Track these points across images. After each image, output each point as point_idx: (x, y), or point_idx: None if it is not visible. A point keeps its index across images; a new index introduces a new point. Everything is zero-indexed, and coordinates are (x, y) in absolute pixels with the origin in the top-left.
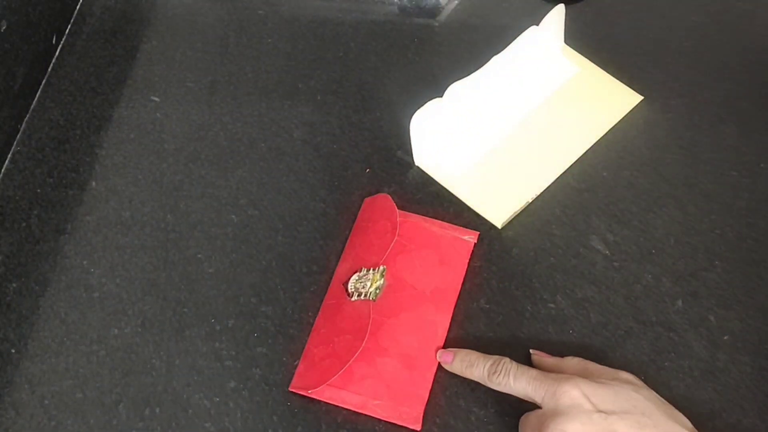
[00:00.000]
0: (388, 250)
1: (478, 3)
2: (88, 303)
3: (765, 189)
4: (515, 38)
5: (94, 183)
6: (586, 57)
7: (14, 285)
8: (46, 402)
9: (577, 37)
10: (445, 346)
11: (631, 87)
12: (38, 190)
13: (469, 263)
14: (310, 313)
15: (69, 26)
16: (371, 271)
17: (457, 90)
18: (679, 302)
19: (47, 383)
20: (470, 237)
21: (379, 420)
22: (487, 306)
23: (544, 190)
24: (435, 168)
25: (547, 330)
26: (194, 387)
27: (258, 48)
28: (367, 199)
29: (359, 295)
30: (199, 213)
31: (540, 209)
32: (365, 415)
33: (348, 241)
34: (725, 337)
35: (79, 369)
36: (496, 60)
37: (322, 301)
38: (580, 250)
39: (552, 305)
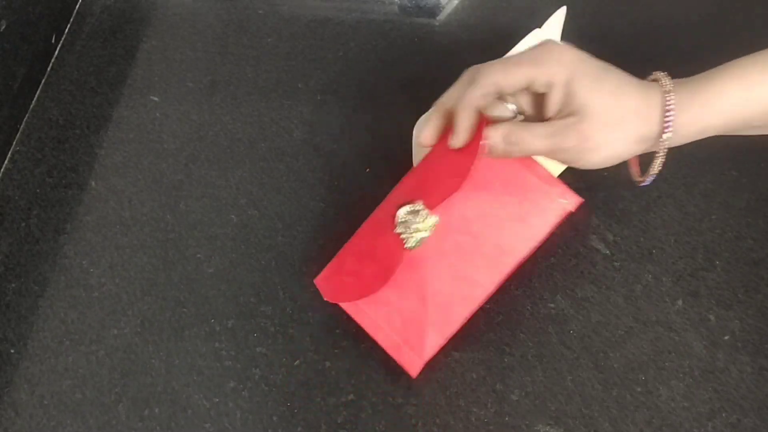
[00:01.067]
0: (481, 193)
1: (478, 3)
2: (87, 303)
3: (765, 189)
4: (515, 38)
5: (93, 183)
6: None
7: (14, 285)
8: (46, 402)
9: (576, 35)
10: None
11: None
12: (38, 190)
13: (552, 231)
14: (310, 313)
15: (68, 26)
16: (422, 213)
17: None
18: (679, 302)
19: (47, 383)
20: (568, 201)
21: (380, 420)
22: (487, 305)
23: None
24: None
25: (547, 330)
26: (194, 387)
27: (258, 48)
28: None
29: (404, 230)
30: (199, 213)
31: None
32: (371, 343)
33: (431, 151)
34: (725, 337)
35: (79, 369)
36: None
37: (321, 302)
38: (580, 250)
39: (552, 305)
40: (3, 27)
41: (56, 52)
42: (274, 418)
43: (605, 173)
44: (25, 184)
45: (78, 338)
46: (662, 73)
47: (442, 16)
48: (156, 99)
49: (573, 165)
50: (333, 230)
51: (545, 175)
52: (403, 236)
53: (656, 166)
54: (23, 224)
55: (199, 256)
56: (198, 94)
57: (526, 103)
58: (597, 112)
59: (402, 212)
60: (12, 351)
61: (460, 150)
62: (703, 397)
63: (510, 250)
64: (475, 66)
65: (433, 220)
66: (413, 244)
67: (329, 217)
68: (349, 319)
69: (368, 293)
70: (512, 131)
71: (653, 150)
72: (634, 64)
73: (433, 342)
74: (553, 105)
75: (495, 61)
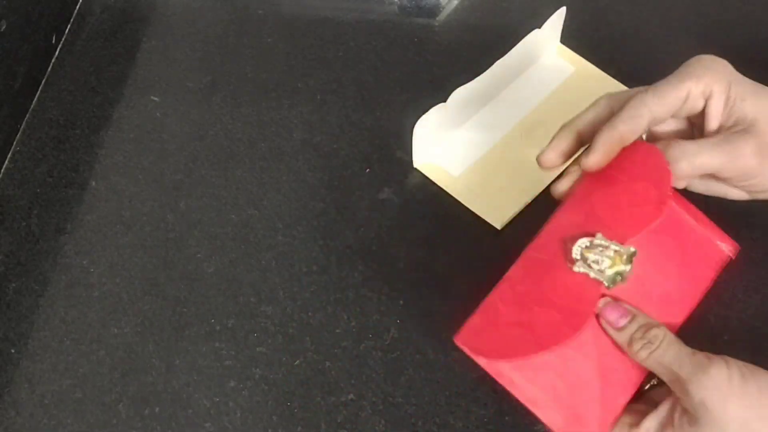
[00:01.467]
0: (647, 228)
1: (478, 3)
2: (87, 302)
3: None
4: (515, 38)
5: (94, 182)
6: (584, 56)
7: (14, 284)
8: (46, 401)
9: (575, 36)
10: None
11: (628, 86)
12: (38, 190)
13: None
14: (310, 313)
15: (69, 26)
16: (613, 246)
17: (461, 95)
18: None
19: (47, 382)
20: (728, 247)
21: (380, 419)
22: None
23: (544, 189)
24: (434, 170)
25: None
26: (194, 386)
27: (258, 47)
28: None
29: (588, 269)
30: (199, 212)
31: (540, 208)
32: (523, 407)
33: (580, 182)
34: (726, 337)
35: (79, 368)
36: (499, 64)
37: (321, 301)
38: None
39: None
40: (3, 27)
41: (56, 52)
42: (274, 418)
43: None
44: (26, 183)
45: (78, 337)
46: None
47: (441, 16)
48: (156, 99)
49: (737, 188)
50: (333, 230)
51: (703, 218)
52: (592, 274)
53: None
54: (24, 224)
55: (199, 255)
56: (198, 94)
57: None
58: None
59: (578, 245)
60: (12, 350)
61: (637, 177)
62: None
63: (679, 299)
64: (612, 93)
65: (629, 250)
66: (611, 283)
67: (329, 217)
68: (350, 319)
69: (551, 345)
70: (673, 144)
71: None
72: (634, 65)
73: (607, 416)
74: (714, 115)
75: (634, 89)
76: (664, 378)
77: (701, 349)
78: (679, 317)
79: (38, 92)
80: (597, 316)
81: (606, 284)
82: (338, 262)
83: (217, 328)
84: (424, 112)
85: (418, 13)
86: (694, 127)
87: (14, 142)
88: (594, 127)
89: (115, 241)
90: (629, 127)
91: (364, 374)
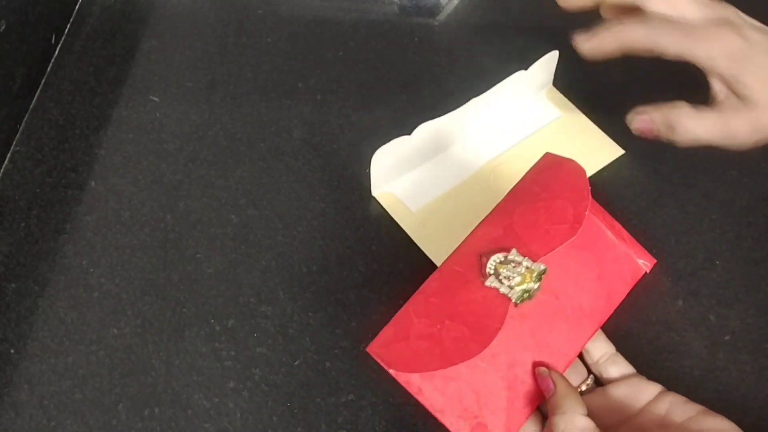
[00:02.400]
0: (559, 248)
1: (478, 2)
2: (87, 303)
3: (765, 188)
4: (515, 38)
5: (93, 183)
6: (575, 100)
7: (13, 285)
8: (46, 402)
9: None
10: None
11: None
12: (37, 190)
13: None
14: (310, 314)
15: (68, 26)
16: (525, 262)
17: (426, 130)
18: (680, 302)
19: (46, 383)
20: (645, 263)
21: (380, 420)
22: None
23: None
24: (391, 202)
25: None
26: (194, 387)
27: (257, 47)
28: (549, 155)
29: (499, 284)
30: (199, 213)
31: None
32: (428, 415)
33: (506, 197)
34: (726, 337)
35: (79, 369)
36: (475, 101)
37: (322, 301)
38: None
39: None
40: (2, 27)
41: (56, 53)
42: (274, 418)
43: (605, 173)
44: (25, 184)
45: (78, 338)
46: None
47: (441, 16)
48: (156, 99)
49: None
50: (333, 230)
51: (623, 234)
52: (501, 290)
53: None
54: (23, 224)
55: (198, 256)
56: (197, 94)
57: None
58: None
59: (493, 260)
60: (12, 351)
61: (557, 195)
62: (704, 397)
63: (591, 314)
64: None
65: (540, 267)
66: (518, 299)
67: (329, 217)
68: (350, 319)
69: (457, 360)
70: (671, 114)
71: None
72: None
73: (510, 426)
74: (716, 86)
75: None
76: None
77: (701, 350)
78: (588, 331)
79: (37, 93)
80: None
81: (513, 300)
82: (338, 263)
83: (217, 328)
84: (424, 112)
85: (418, 13)
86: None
87: (13, 143)
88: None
89: (114, 242)
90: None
91: (364, 375)
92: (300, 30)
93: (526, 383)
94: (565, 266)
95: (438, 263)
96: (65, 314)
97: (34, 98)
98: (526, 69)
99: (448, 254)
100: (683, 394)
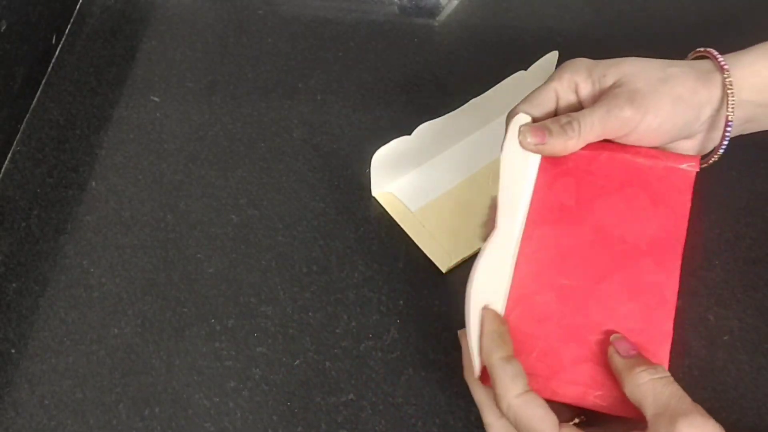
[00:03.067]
0: (600, 200)
1: (478, 3)
2: (87, 303)
3: (764, 188)
4: (515, 38)
5: (93, 183)
6: None
7: (14, 285)
8: (46, 402)
9: None
10: (676, 315)
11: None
12: (38, 190)
13: (692, 200)
14: (310, 313)
15: (69, 26)
16: None
17: (426, 130)
18: (679, 301)
19: (47, 383)
20: (689, 165)
21: (380, 420)
22: None
23: None
24: (391, 202)
25: None
26: (194, 387)
27: (258, 48)
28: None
29: None
30: (199, 213)
31: None
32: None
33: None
34: (724, 337)
35: (79, 369)
36: (474, 102)
37: (322, 301)
38: None
39: None
40: (3, 27)
41: (56, 53)
42: (275, 418)
43: None
44: (26, 184)
45: (78, 338)
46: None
47: (442, 16)
48: (156, 99)
49: (630, 138)
50: (333, 230)
51: (652, 153)
52: None
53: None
54: (24, 224)
55: (199, 255)
56: (198, 94)
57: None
58: (637, 73)
59: None
60: (12, 351)
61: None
62: (702, 396)
63: (668, 237)
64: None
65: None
66: None
67: (329, 217)
68: (350, 319)
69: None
70: (564, 116)
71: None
72: None
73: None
74: (587, 100)
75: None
76: (649, 411)
77: (700, 349)
78: (676, 252)
79: (38, 93)
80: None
81: None
82: (338, 262)
83: (217, 328)
84: (424, 112)
85: (418, 14)
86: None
87: (14, 143)
88: None
89: (115, 242)
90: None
91: (364, 374)
92: (300, 30)
93: (647, 333)
94: (616, 211)
95: (438, 263)
96: (66, 314)
97: (35, 98)
98: (526, 69)
99: (449, 254)
100: None
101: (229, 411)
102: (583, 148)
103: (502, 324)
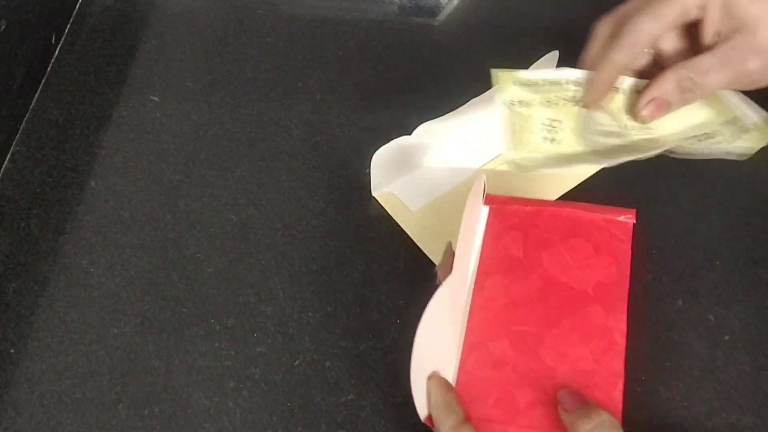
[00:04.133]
0: (550, 251)
1: (478, 2)
2: (87, 302)
3: (764, 188)
4: (515, 37)
5: (93, 182)
6: None
7: (13, 285)
8: (46, 401)
9: None
10: (627, 355)
11: None
12: (37, 190)
13: (632, 248)
14: (309, 313)
15: (68, 26)
16: None
17: (426, 129)
18: (679, 302)
19: (46, 382)
20: (626, 217)
21: (380, 420)
22: None
23: None
24: (391, 202)
25: None
26: (193, 387)
27: (257, 47)
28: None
29: None
30: (199, 212)
31: None
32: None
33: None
34: (725, 337)
35: (79, 368)
36: (474, 101)
37: (322, 301)
38: None
39: None
40: (3, 27)
41: (56, 52)
42: (274, 418)
43: (605, 173)
44: (25, 183)
45: (78, 337)
46: None
47: (442, 15)
48: (156, 99)
49: (755, 87)
50: (333, 230)
51: (591, 207)
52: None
53: None
54: (23, 224)
55: (198, 255)
56: (197, 94)
57: (669, 42)
58: (763, 17)
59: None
60: (12, 350)
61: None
62: (703, 396)
63: (612, 282)
64: (610, 16)
65: None
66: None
67: (329, 217)
68: (350, 319)
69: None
70: (683, 76)
71: None
72: None
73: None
74: (710, 27)
75: (628, 5)
76: None
77: (701, 349)
78: (621, 297)
79: (37, 92)
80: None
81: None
82: (338, 262)
83: (217, 328)
84: (423, 112)
85: (418, 13)
86: (691, 37)
87: (14, 143)
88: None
89: (114, 241)
90: (627, 56)
91: (364, 374)
92: (300, 30)
93: (599, 374)
94: (562, 260)
95: (438, 263)
96: (65, 313)
97: (34, 98)
98: (526, 69)
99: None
100: (683, 394)
101: (229, 411)
102: (527, 205)
103: (449, 391)
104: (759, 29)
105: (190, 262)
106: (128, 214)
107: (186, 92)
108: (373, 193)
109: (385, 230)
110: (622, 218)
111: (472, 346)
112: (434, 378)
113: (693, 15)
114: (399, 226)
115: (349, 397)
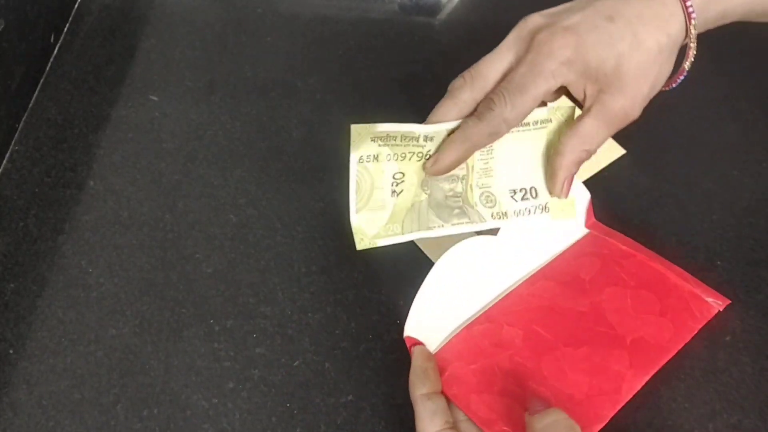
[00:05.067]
0: (613, 288)
1: (478, 1)
2: (86, 303)
3: (766, 189)
4: None
5: (92, 182)
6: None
7: (12, 285)
8: (44, 402)
9: None
10: (624, 412)
11: None
12: (36, 190)
13: (699, 332)
14: (309, 314)
15: (67, 25)
16: None
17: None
18: None
19: (45, 383)
20: (716, 302)
21: (380, 421)
22: None
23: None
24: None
25: None
26: (192, 388)
27: (257, 47)
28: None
29: None
30: (198, 212)
31: None
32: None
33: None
34: (726, 338)
35: (77, 369)
36: None
37: (321, 301)
38: None
39: None
40: (1, 26)
41: (55, 52)
42: (273, 419)
43: (606, 173)
44: (24, 183)
45: (76, 338)
46: None
47: (442, 14)
48: (155, 98)
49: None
50: (332, 230)
51: (687, 276)
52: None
53: (690, 57)
54: (21, 224)
55: (197, 256)
56: (197, 94)
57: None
58: (616, 67)
59: None
60: (10, 351)
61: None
62: (704, 397)
63: (656, 345)
64: (468, 78)
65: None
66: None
67: (329, 217)
68: (349, 319)
69: (506, 383)
70: (578, 150)
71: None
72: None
73: None
74: (579, 94)
75: (484, 65)
76: None
77: (702, 350)
78: (656, 362)
79: (36, 92)
80: None
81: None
82: (338, 263)
83: (216, 328)
84: (423, 112)
85: (419, 12)
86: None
87: (12, 142)
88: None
89: (113, 242)
90: (489, 140)
91: (363, 375)
92: (300, 29)
93: (583, 410)
94: (621, 303)
95: (433, 260)
96: (64, 314)
97: (33, 97)
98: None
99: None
100: (684, 395)
101: (228, 412)
102: (624, 244)
103: (428, 360)
104: (622, 80)
105: (189, 263)
106: (127, 214)
107: (185, 92)
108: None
109: None
110: (710, 300)
111: (488, 317)
112: (420, 348)
113: (556, 89)
114: None
115: (349, 398)
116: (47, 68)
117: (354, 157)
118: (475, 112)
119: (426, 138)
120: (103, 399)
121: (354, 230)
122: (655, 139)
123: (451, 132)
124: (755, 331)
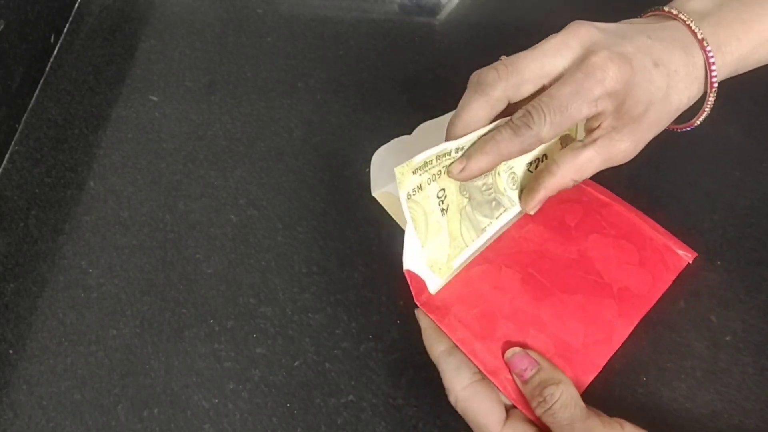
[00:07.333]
0: (597, 236)
1: (479, 1)
2: (86, 303)
3: (767, 189)
4: (516, 37)
5: (92, 183)
6: None
7: (12, 285)
8: (44, 403)
9: None
10: (612, 360)
11: None
12: (36, 190)
13: (673, 282)
14: (309, 314)
15: (67, 25)
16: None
17: (426, 129)
18: (681, 302)
19: (45, 384)
20: (686, 254)
21: (380, 421)
22: None
23: None
24: (391, 201)
25: None
26: (193, 388)
27: (257, 47)
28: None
29: None
30: (198, 213)
31: None
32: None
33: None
34: (727, 338)
35: (78, 370)
36: None
37: (322, 302)
38: None
39: None
40: (2, 26)
41: (55, 52)
42: (274, 420)
43: (606, 173)
44: (24, 184)
45: (77, 339)
46: (675, 11)
47: (442, 14)
48: (155, 98)
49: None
50: (333, 230)
51: (659, 228)
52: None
53: (709, 103)
54: (22, 224)
55: (198, 256)
56: (197, 94)
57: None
58: (643, 113)
59: None
60: (11, 352)
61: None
62: (705, 398)
63: (639, 294)
64: (503, 72)
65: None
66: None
67: (329, 217)
68: (350, 320)
69: (501, 324)
70: (570, 180)
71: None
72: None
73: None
74: (603, 124)
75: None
76: None
77: (703, 350)
78: (640, 310)
79: (36, 92)
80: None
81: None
82: (338, 263)
83: (216, 329)
84: (423, 111)
85: (419, 12)
86: None
87: (12, 143)
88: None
89: (113, 242)
90: (522, 151)
91: (364, 376)
92: (300, 29)
93: (578, 355)
94: (605, 251)
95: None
96: (64, 315)
97: (33, 97)
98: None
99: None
100: (685, 396)
101: (228, 412)
102: (600, 193)
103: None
104: (639, 125)
105: (190, 263)
106: (127, 214)
107: (185, 92)
108: (373, 193)
109: (385, 230)
110: (680, 252)
111: (486, 259)
112: (417, 310)
113: (594, 115)
114: (399, 226)
115: (350, 399)
116: (47, 68)
117: (403, 195)
118: (510, 122)
119: (458, 150)
120: (104, 399)
121: (429, 265)
122: (655, 138)
123: (482, 135)
124: (756, 331)
